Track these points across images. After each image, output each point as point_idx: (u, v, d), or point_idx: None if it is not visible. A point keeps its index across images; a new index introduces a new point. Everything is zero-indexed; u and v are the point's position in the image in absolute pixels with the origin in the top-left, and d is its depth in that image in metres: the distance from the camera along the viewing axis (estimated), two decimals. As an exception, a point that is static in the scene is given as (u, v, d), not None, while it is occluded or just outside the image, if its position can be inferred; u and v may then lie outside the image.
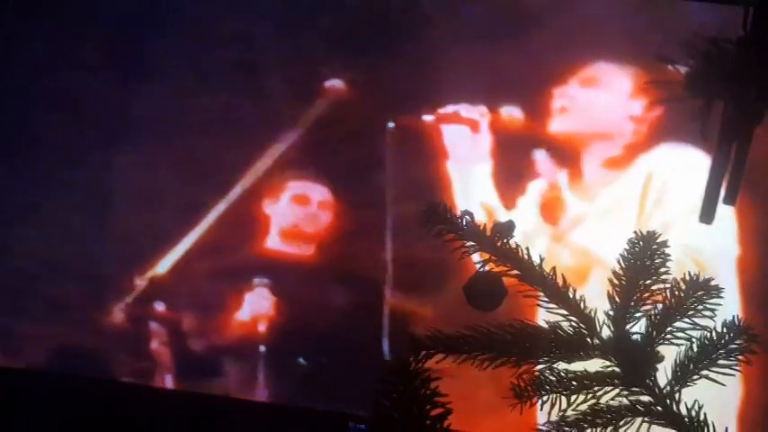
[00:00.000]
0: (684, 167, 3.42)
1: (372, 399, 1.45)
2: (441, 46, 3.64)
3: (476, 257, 1.54)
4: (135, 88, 3.86)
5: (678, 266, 1.54)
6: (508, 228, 1.53)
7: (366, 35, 3.73)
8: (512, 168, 3.66)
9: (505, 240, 1.53)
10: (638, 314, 1.51)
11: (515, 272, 1.52)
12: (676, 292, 1.51)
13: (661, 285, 1.52)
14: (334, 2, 3.85)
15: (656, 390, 1.49)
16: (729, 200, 1.63)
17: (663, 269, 1.52)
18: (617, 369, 1.49)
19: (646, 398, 1.48)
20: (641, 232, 1.56)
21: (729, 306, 1.60)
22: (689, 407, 1.47)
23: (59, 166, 3.89)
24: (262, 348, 3.85)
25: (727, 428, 1.47)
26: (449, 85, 3.67)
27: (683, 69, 1.55)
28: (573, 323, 1.51)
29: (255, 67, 3.79)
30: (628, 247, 1.54)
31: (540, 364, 1.50)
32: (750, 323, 1.52)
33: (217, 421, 3.77)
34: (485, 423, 3.30)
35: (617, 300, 1.51)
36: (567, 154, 3.61)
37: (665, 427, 1.46)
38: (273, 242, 3.87)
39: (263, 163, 3.77)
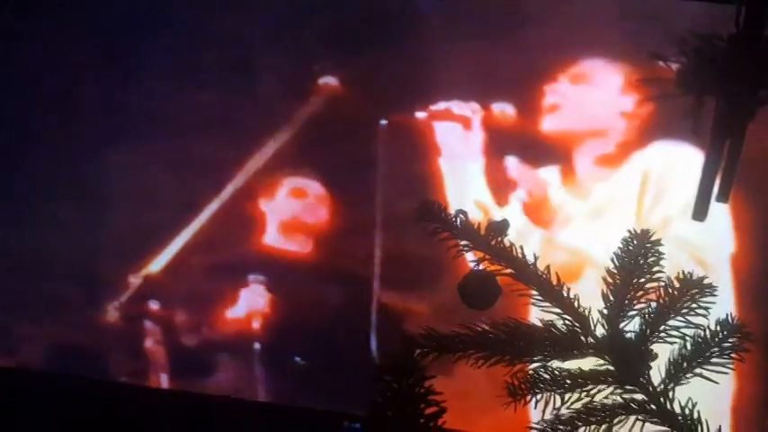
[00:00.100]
0: (682, 164, 3.42)
1: (367, 397, 1.45)
2: (433, 43, 3.64)
3: (470, 256, 1.54)
4: (130, 87, 3.85)
5: (678, 263, 1.55)
6: (502, 227, 1.54)
7: (359, 33, 3.73)
8: (503, 165, 3.66)
9: (500, 239, 1.53)
10: (631, 312, 1.51)
11: (509, 270, 1.52)
12: (670, 291, 1.52)
13: (655, 284, 1.52)
14: (327, 0, 3.84)
15: (650, 388, 1.49)
16: (722, 197, 1.64)
17: (656, 268, 1.53)
18: (611, 367, 1.50)
19: (640, 396, 1.49)
20: (635, 231, 1.56)
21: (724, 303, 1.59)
22: (683, 405, 1.47)
23: (54, 165, 3.89)
24: (256, 346, 3.85)
25: (720, 427, 1.47)
26: (441, 82, 3.67)
27: (674, 66, 1.55)
28: (567, 322, 1.51)
29: (249, 65, 3.79)
30: (621, 246, 1.55)
31: (534, 362, 1.51)
32: (744, 321, 1.53)
33: (211, 421, 3.77)
34: (480, 422, 3.31)
35: (611, 298, 1.52)
36: (559, 151, 3.61)
37: (659, 425, 1.47)
38: (272, 238, 3.87)
39: (258, 160, 3.77)
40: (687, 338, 1.50)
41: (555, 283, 1.52)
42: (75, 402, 3.78)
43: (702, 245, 3.42)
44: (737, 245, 3.47)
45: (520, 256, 1.53)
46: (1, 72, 3.92)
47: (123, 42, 3.85)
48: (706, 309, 1.51)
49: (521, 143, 3.62)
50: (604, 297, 1.52)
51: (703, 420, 1.46)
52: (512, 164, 3.63)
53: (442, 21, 3.66)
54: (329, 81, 3.73)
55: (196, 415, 3.79)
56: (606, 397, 1.49)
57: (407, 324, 3.64)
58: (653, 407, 1.48)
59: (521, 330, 1.50)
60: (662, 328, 1.50)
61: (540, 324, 1.51)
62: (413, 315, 3.66)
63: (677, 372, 1.50)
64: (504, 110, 3.63)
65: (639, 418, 1.48)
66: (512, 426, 1.61)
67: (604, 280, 1.53)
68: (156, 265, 3.86)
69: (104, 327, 3.92)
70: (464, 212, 1.54)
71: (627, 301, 1.51)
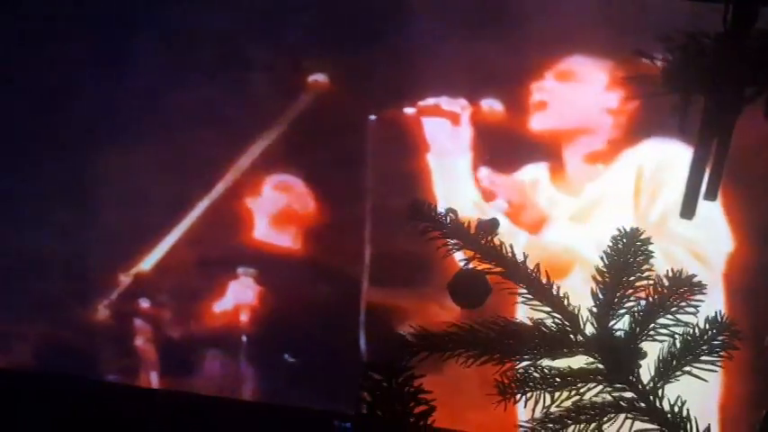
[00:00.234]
0: (677, 160, 3.42)
1: (357, 396, 1.46)
2: (422, 39, 3.64)
3: (460, 255, 1.54)
4: (118, 85, 3.84)
5: (676, 260, 1.55)
6: (492, 225, 1.54)
7: (348, 30, 3.72)
8: (492, 161, 3.67)
9: (489, 238, 1.53)
10: (621, 311, 1.51)
11: (499, 269, 1.52)
12: (659, 289, 1.52)
13: (644, 282, 1.52)
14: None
15: (640, 386, 1.49)
16: (710, 195, 1.64)
17: (646, 266, 1.53)
18: (600, 366, 1.50)
19: (629, 394, 1.49)
20: (625, 229, 1.56)
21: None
22: (672, 403, 1.48)
23: (44, 163, 3.88)
24: (244, 339, 3.85)
25: (709, 425, 1.48)
26: (430, 78, 3.67)
27: (660, 63, 1.55)
28: (557, 320, 1.51)
29: (239, 63, 3.78)
30: (611, 244, 1.55)
31: (524, 360, 1.51)
32: (734, 318, 1.53)
33: (201, 420, 3.77)
34: (471, 419, 3.31)
35: (600, 297, 1.52)
36: (547, 148, 3.62)
37: (648, 423, 1.47)
38: (261, 233, 3.87)
39: (248, 158, 3.77)
40: (676, 336, 1.51)
41: (545, 281, 1.52)
42: (65, 401, 3.78)
43: (701, 240, 3.42)
44: (735, 241, 3.47)
45: (510, 254, 1.53)
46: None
47: (113, 41, 3.84)
48: (695, 306, 1.51)
49: (509, 139, 3.62)
50: (594, 295, 1.52)
51: (692, 418, 1.47)
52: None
53: (430, 16, 3.66)
54: (318, 78, 3.73)
55: (186, 414, 3.78)
56: (596, 395, 1.49)
57: (396, 322, 3.65)
58: (642, 405, 1.48)
59: (510, 329, 1.51)
60: (651, 326, 1.51)
61: (529, 322, 1.52)
62: (402, 313, 3.67)
63: (666, 370, 1.50)
64: (493, 106, 3.64)
65: (629, 416, 1.48)
66: (502, 424, 1.61)
67: (594, 278, 1.54)
68: (147, 263, 3.86)
69: (95, 325, 3.91)
70: (454, 211, 1.54)
71: (616, 300, 1.52)
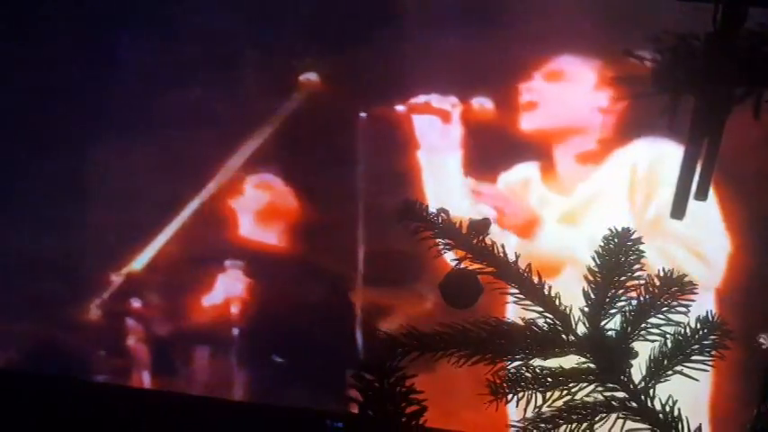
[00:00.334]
0: (670, 158, 3.42)
1: (348, 396, 1.46)
2: (412, 36, 3.64)
3: (451, 255, 1.54)
4: (110, 83, 3.84)
5: (676, 259, 1.56)
6: (483, 225, 1.54)
7: (339, 26, 3.73)
8: (482, 159, 3.67)
9: (481, 238, 1.53)
10: (612, 310, 1.51)
11: (491, 269, 1.52)
12: (651, 289, 1.52)
13: (635, 282, 1.53)
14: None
15: (631, 386, 1.49)
16: (701, 195, 1.64)
17: (637, 266, 1.53)
18: (592, 365, 1.50)
19: (620, 394, 1.49)
20: (615, 229, 1.57)
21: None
22: (663, 402, 1.48)
23: (34, 162, 3.88)
24: (235, 332, 3.85)
25: (700, 424, 1.48)
26: (420, 76, 3.67)
27: (649, 64, 1.55)
28: (548, 320, 1.51)
29: (230, 62, 3.78)
30: (602, 244, 1.55)
31: (515, 360, 1.51)
32: (725, 317, 1.53)
33: (192, 419, 3.76)
34: (463, 419, 3.32)
35: (592, 296, 1.52)
36: (538, 148, 3.62)
37: (640, 422, 1.47)
38: (247, 231, 3.87)
39: (240, 157, 3.77)
40: (668, 336, 1.51)
41: (536, 281, 1.53)
42: (56, 401, 3.77)
43: (700, 238, 3.43)
44: (732, 240, 3.48)
45: (501, 254, 1.53)
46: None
47: (104, 40, 3.84)
48: (686, 306, 1.51)
49: (500, 138, 3.63)
50: (585, 295, 1.53)
51: (683, 417, 1.47)
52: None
53: (421, 14, 3.66)
54: (310, 77, 3.73)
55: (178, 414, 3.78)
56: (587, 395, 1.49)
57: (388, 322, 3.65)
58: (634, 404, 1.48)
59: (502, 328, 1.51)
60: (643, 325, 1.51)
61: (521, 322, 1.52)
62: (393, 312, 3.67)
63: (658, 369, 1.50)
64: (483, 104, 3.64)
65: (620, 415, 1.48)
66: (494, 424, 1.61)
67: (586, 278, 1.54)
68: (139, 263, 3.85)
69: (87, 325, 3.91)
70: (445, 211, 1.54)
71: (608, 299, 1.52)
